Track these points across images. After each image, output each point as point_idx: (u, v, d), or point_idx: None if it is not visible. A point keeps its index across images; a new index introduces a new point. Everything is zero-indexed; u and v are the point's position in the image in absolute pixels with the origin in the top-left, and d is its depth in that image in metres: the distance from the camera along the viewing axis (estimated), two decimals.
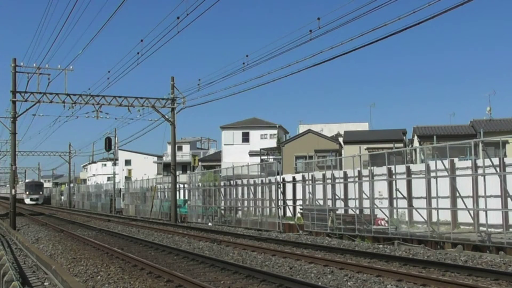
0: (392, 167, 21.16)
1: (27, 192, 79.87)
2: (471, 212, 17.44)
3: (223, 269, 12.96)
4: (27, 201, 78.65)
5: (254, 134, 59.75)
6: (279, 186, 27.06)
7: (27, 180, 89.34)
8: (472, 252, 15.51)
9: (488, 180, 16.83)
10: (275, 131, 59.52)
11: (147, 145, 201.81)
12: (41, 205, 76.66)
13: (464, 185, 18.25)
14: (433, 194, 18.43)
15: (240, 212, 30.56)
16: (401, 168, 21.88)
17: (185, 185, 41.65)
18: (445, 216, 18.96)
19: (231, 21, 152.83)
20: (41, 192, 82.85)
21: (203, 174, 39.70)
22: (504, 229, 15.83)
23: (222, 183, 33.46)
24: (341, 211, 22.94)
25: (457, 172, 19.15)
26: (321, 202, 24.05)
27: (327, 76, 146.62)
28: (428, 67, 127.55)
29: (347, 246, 17.60)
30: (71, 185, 78.29)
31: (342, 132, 48.00)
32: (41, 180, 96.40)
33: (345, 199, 23.79)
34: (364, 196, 21.96)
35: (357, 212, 21.46)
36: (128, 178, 57.39)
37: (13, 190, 30.95)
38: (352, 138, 42.58)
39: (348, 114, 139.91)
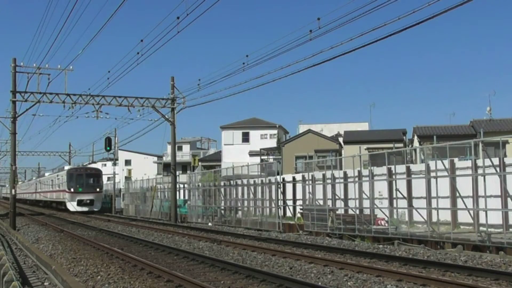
0: (392, 167, 21.17)
1: (72, 190, 46.24)
2: (471, 212, 17.45)
3: (223, 269, 12.95)
4: (72, 205, 46.02)
5: (254, 134, 59.77)
6: (279, 186, 27.06)
7: (68, 167, 51.61)
8: (472, 252, 15.52)
9: (488, 180, 16.83)
10: (275, 131, 59.53)
11: (147, 145, 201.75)
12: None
13: (464, 185, 18.24)
14: (433, 194, 18.42)
15: (240, 212, 30.56)
16: (401, 168, 21.88)
17: (185, 185, 41.65)
18: (445, 216, 18.96)
19: (231, 21, 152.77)
20: (98, 189, 48.09)
21: (203, 174, 39.72)
22: (504, 229, 15.83)
23: (222, 183, 33.47)
24: (341, 211, 22.94)
25: (457, 172, 19.15)
26: (321, 202, 24.05)
27: (327, 76, 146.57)
28: (428, 67, 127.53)
29: (347, 246, 17.60)
30: None
31: (342, 132, 48.03)
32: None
33: (345, 199, 23.79)
34: (364, 196, 21.96)
35: (357, 212, 21.46)
36: (128, 178, 57.35)
37: (13, 190, 31.01)
38: (352, 138, 42.60)
39: (348, 114, 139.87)
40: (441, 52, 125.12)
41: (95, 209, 46.69)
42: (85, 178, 47.77)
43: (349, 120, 57.45)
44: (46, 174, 68.28)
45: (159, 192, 41.00)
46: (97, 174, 49.94)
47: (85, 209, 45.90)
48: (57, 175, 51.89)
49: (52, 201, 56.13)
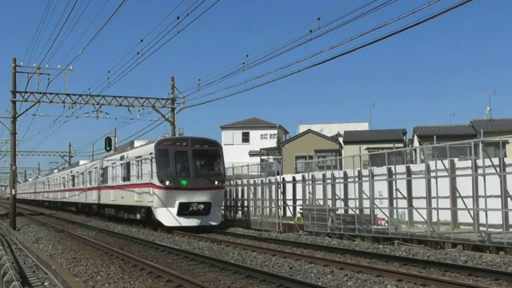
0: (392, 167, 21.16)
1: (168, 183, 23.23)
2: (471, 212, 17.44)
3: (223, 269, 12.96)
4: (168, 215, 23.19)
5: (254, 134, 59.80)
6: (279, 186, 27.06)
7: (149, 140, 27.30)
8: (472, 252, 15.52)
9: (488, 180, 16.81)
10: (275, 131, 59.56)
11: None
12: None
13: (464, 185, 18.24)
14: (433, 194, 18.42)
15: (240, 212, 30.57)
16: (401, 168, 21.88)
17: None
18: (445, 216, 18.95)
19: (231, 21, 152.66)
20: (217, 182, 24.23)
21: None
22: (504, 229, 15.83)
23: None
24: (341, 211, 22.94)
25: (457, 172, 19.14)
26: (321, 202, 24.05)
27: (327, 76, 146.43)
28: (428, 67, 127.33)
29: (347, 246, 17.60)
30: None
31: (342, 132, 48.07)
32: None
33: (345, 199, 23.79)
34: (364, 196, 21.96)
35: (357, 212, 21.46)
36: None
37: (13, 190, 31.03)
38: (352, 138, 42.62)
39: (348, 114, 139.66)
40: (441, 51, 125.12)
41: (213, 223, 24.29)
42: (192, 160, 24.32)
43: (349, 120, 57.55)
44: (81, 162, 43.63)
45: None
46: (215, 151, 25.57)
47: (194, 222, 23.70)
48: (121, 158, 29.48)
49: (111, 206, 32.00)
